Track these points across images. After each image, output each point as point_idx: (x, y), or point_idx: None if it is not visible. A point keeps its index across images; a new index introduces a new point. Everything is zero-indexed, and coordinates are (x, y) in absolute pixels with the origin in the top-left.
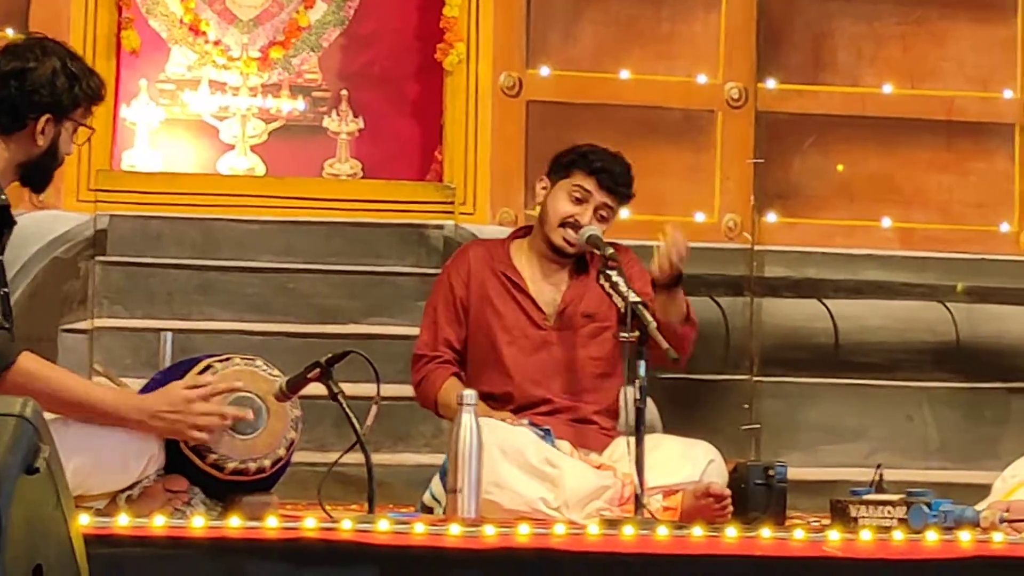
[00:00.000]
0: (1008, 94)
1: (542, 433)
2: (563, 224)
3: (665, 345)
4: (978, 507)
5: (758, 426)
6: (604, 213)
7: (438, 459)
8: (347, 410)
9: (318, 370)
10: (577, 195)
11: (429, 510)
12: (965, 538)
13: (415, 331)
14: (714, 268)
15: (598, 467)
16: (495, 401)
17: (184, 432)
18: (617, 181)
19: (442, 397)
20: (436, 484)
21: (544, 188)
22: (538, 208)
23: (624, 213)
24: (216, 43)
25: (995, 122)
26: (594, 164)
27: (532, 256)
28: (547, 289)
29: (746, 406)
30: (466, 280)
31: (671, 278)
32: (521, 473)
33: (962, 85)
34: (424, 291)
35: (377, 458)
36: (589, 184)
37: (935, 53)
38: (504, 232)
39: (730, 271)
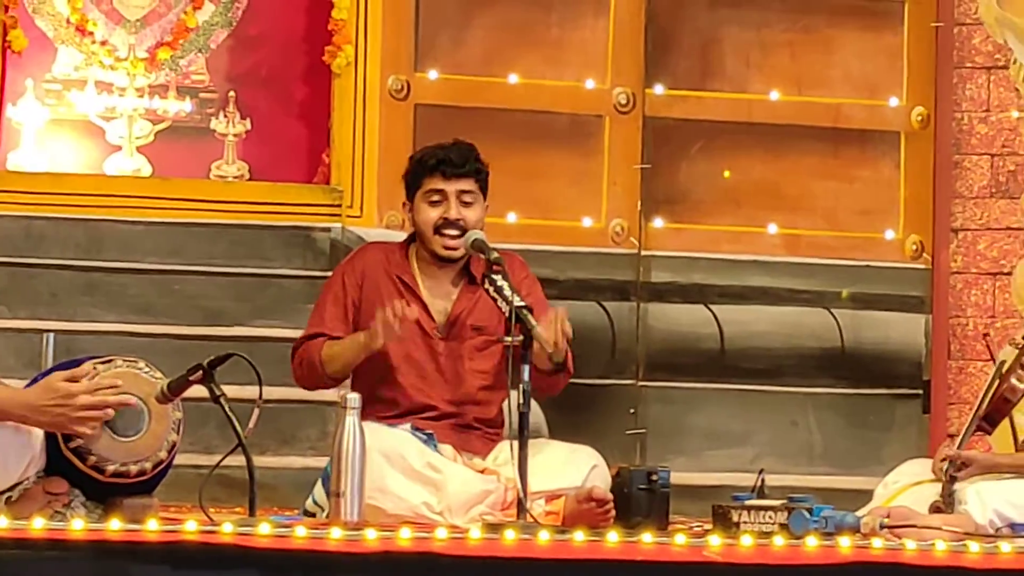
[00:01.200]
0: (894, 102)
1: (424, 437)
2: (436, 231)
3: (549, 349)
4: (859, 513)
5: (643, 431)
6: (466, 199)
7: (323, 462)
8: (228, 412)
9: (200, 372)
10: (433, 198)
11: (312, 516)
12: (845, 544)
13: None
14: (600, 273)
15: (482, 471)
16: (381, 404)
17: (67, 425)
18: (459, 164)
19: (325, 353)
20: (319, 490)
21: (409, 210)
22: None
23: (511, 217)
24: (103, 43)
25: (881, 130)
26: (430, 163)
27: (424, 265)
28: (439, 298)
29: (632, 411)
30: (359, 281)
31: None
32: (404, 478)
33: (849, 93)
34: (310, 294)
35: (262, 461)
36: (436, 183)
37: (822, 61)
38: (390, 235)
39: (617, 276)
